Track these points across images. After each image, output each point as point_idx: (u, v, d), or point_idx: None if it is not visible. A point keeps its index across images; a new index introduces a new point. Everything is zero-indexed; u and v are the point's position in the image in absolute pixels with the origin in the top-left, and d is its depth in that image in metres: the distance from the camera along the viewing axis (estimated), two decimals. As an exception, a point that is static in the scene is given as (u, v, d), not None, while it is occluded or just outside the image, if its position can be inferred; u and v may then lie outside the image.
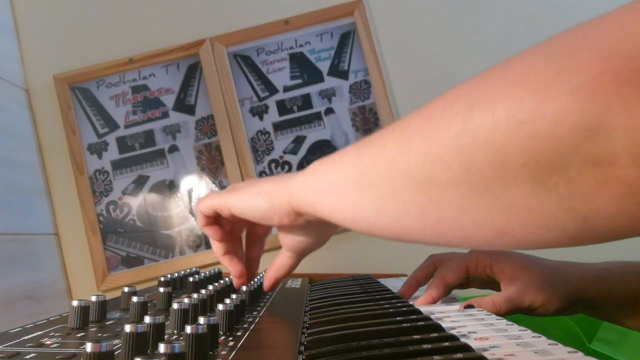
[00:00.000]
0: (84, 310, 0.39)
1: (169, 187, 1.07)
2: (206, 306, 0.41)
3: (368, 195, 0.30)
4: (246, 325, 0.38)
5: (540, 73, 0.21)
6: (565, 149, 0.21)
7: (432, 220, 0.27)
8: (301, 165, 1.06)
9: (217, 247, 0.48)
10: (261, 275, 0.61)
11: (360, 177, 0.31)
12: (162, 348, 0.24)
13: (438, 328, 0.33)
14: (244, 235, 0.51)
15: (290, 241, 0.44)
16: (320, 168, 0.35)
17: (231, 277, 0.50)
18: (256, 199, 0.41)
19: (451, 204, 0.25)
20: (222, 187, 1.07)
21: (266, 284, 0.48)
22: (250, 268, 0.49)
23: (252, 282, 0.51)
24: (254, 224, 0.48)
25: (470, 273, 0.52)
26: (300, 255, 0.45)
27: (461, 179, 0.24)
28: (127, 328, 0.27)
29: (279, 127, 1.07)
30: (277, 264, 0.46)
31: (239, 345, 0.32)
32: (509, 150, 0.22)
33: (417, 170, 0.26)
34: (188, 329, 0.27)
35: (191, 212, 1.06)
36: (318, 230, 0.42)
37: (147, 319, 0.30)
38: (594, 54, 0.20)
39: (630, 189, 0.20)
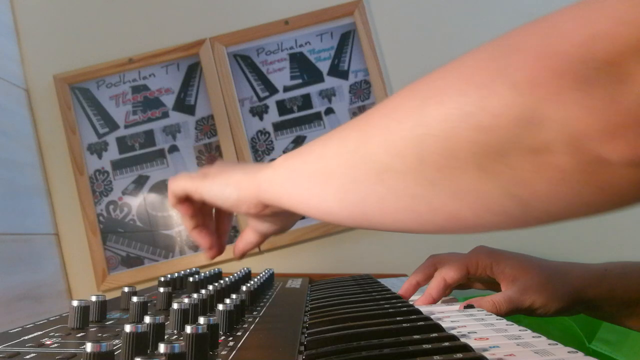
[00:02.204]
0: (84, 310, 0.39)
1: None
2: (206, 306, 0.41)
3: (332, 186, 0.32)
4: (246, 325, 0.38)
5: (485, 69, 0.23)
6: (506, 139, 0.23)
7: (390, 208, 0.29)
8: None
9: (187, 222, 0.50)
10: (260, 275, 0.61)
11: (324, 169, 0.33)
12: (162, 348, 0.24)
13: (438, 328, 0.33)
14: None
15: (256, 225, 0.47)
16: (286, 162, 0.37)
17: (203, 250, 0.53)
18: (225, 189, 0.43)
19: (407, 192, 0.27)
20: (222, 187, 1.07)
21: (236, 254, 0.51)
22: (220, 241, 0.52)
23: (252, 283, 0.51)
24: None
25: (470, 273, 0.52)
26: (265, 237, 0.49)
27: (416, 169, 0.26)
28: (127, 328, 0.27)
29: (279, 127, 1.07)
30: (245, 238, 0.50)
31: (239, 346, 0.32)
32: (457, 140, 0.24)
33: (377, 160, 0.28)
34: (188, 329, 0.27)
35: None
36: (283, 219, 0.45)
37: (147, 319, 0.30)
38: (533, 52, 0.22)
39: (564, 174, 0.22)
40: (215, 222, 0.52)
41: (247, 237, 0.50)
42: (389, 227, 0.31)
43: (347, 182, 0.31)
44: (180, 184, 0.47)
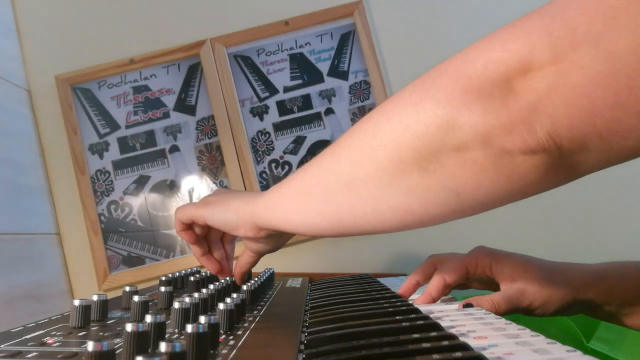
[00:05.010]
0: (85, 309, 0.39)
1: (170, 187, 1.07)
2: (207, 305, 0.41)
3: (312, 201, 0.38)
4: (247, 324, 0.38)
5: (418, 91, 0.31)
6: (436, 143, 0.29)
7: (359, 212, 0.35)
8: (301, 165, 1.06)
9: (195, 250, 0.56)
10: (260, 275, 0.61)
11: (305, 189, 0.39)
12: (163, 347, 0.24)
13: (437, 327, 0.33)
14: None
15: (252, 246, 0.52)
16: (276, 189, 0.44)
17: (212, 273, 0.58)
18: (226, 213, 0.49)
19: (370, 195, 0.34)
20: (222, 187, 1.07)
21: (236, 279, 0.57)
22: (226, 265, 0.58)
23: (252, 282, 0.52)
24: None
25: (469, 273, 0.52)
26: (261, 255, 0.55)
27: (374, 175, 0.33)
28: (129, 327, 0.27)
29: (279, 127, 1.07)
30: (241, 262, 0.56)
31: (239, 344, 0.32)
32: (402, 147, 0.31)
33: (346, 173, 0.35)
34: (189, 328, 0.27)
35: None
36: (276, 239, 0.51)
37: (148, 318, 0.30)
38: (449, 76, 0.29)
39: (481, 166, 0.29)
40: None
41: (244, 259, 0.55)
42: (361, 230, 0.37)
43: (324, 196, 0.37)
44: (186, 212, 0.52)
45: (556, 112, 0.25)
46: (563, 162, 0.27)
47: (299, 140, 1.07)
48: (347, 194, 0.35)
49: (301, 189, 0.40)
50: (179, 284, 0.62)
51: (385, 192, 0.33)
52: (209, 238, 0.57)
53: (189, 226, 0.54)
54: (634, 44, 0.22)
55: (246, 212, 0.47)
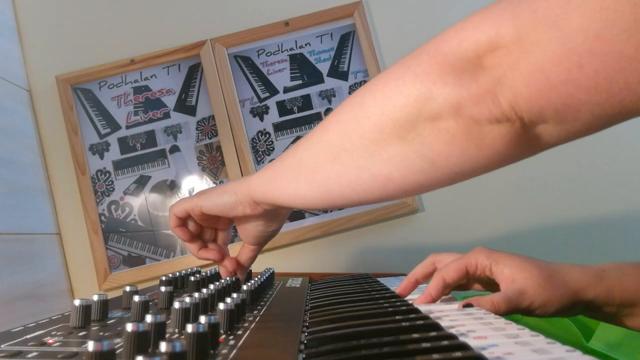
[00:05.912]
0: (85, 309, 0.39)
1: (170, 187, 1.07)
2: (207, 305, 0.41)
3: (302, 173, 0.41)
4: (247, 324, 0.39)
5: (400, 68, 0.34)
6: (414, 113, 0.33)
7: (345, 181, 0.38)
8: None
9: (191, 247, 0.56)
10: (260, 275, 0.61)
11: (296, 162, 0.42)
12: (163, 347, 0.24)
13: (437, 327, 0.33)
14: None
15: (252, 231, 0.54)
16: (270, 166, 0.47)
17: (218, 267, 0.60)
18: (223, 195, 0.51)
19: (355, 164, 0.37)
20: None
21: (239, 275, 0.58)
22: (226, 255, 0.58)
23: (253, 282, 0.52)
24: (218, 231, 0.58)
25: (469, 274, 0.52)
26: (261, 244, 0.56)
27: (359, 145, 0.36)
28: (129, 327, 0.27)
29: (279, 127, 1.07)
30: (243, 257, 0.58)
31: (239, 344, 0.32)
32: (384, 118, 0.34)
33: (333, 145, 0.38)
34: (189, 327, 0.27)
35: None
36: (273, 216, 0.53)
37: (149, 318, 0.30)
38: (428, 53, 0.32)
39: (453, 135, 0.32)
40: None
41: (245, 254, 0.57)
42: (347, 200, 0.39)
43: (313, 167, 0.40)
44: (181, 204, 0.53)
45: (517, 85, 0.28)
46: (525, 133, 0.30)
47: (299, 141, 1.07)
48: (334, 164, 0.38)
49: (293, 163, 0.43)
50: (179, 284, 0.62)
51: (369, 161, 0.36)
52: (203, 238, 0.57)
53: (184, 222, 0.55)
54: (585, 26, 0.25)
55: (243, 189, 0.49)
